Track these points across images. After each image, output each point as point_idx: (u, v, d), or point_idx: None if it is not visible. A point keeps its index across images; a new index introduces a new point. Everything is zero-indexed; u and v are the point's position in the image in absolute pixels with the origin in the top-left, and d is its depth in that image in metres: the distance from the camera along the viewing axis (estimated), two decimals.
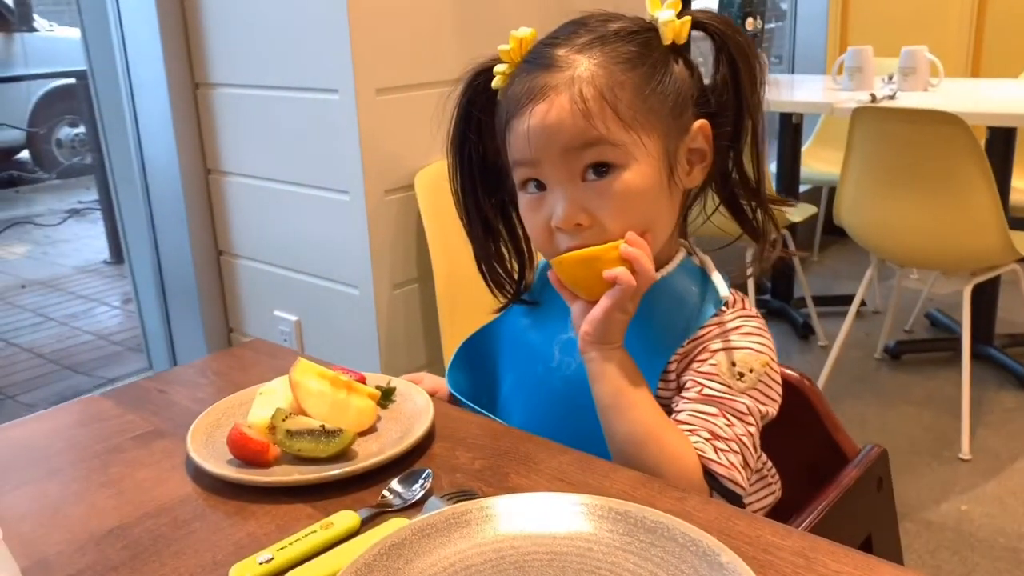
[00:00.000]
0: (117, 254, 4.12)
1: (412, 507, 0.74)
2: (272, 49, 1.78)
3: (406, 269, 1.79)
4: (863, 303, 3.05)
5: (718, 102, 0.87)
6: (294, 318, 1.93)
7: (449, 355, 1.70)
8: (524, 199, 0.87)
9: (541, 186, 0.85)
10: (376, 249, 1.72)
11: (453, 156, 0.93)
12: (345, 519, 0.71)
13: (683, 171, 0.86)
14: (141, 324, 2.50)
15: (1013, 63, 3.59)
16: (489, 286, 0.98)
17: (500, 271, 0.97)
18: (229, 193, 1.99)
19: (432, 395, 1.03)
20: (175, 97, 1.91)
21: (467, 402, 0.95)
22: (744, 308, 0.90)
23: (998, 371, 2.88)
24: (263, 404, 0.86)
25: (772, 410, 0.87)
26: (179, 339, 2.19)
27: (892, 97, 2.83)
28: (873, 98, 2.77)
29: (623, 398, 0.82)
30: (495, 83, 0.89)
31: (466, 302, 1.75)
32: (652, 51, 0.84)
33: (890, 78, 3.06)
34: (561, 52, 0.84)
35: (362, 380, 0.92)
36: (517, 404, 0.97)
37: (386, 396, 0.91)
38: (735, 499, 0.82)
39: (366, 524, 0.72)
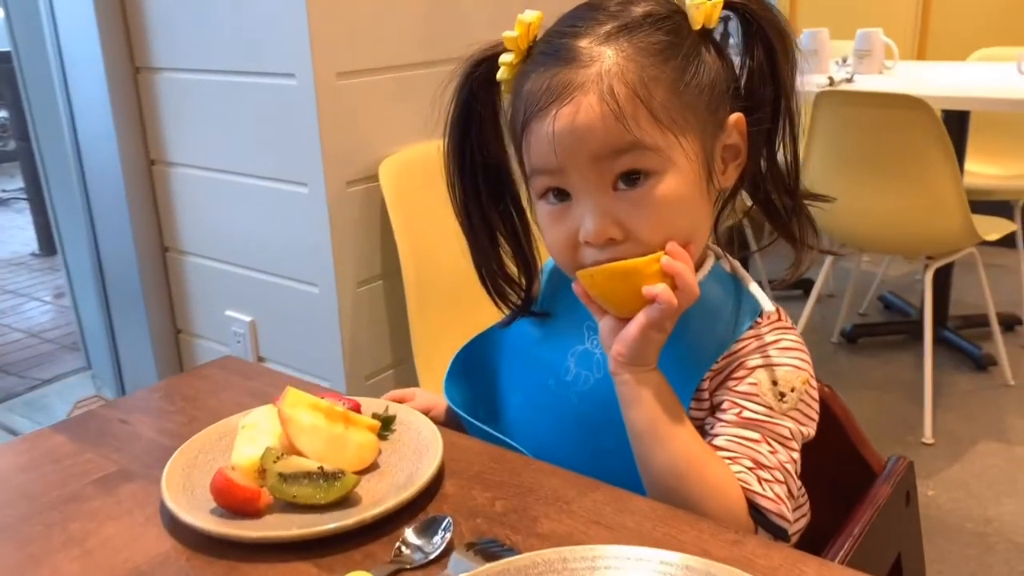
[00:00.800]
0: (48, 246, 3.89)
1: (433, 563, 0.65)
2: (222, 30, 1.64)
3: (370, 265, 1.68)
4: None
5: (752, 92, 0.78)
6: (248, 318, 1.80)
7: (420, 355, 1.60)
8: (544, 209, 0.78)
9: (563, 194, 0.76)
10: (337, 245, 1.61)
11: (452, 157, 0.83)
12: None
13: (719, 171, 0.78)
14: (78, 321, 2.34)
15: (959, 46, 3.60)
16: (491, 296, 0.89)
17: (503, 280, 0.88)
18: (175, 185, 1.85)
19: (426, 413, 0.94)
20: (113, 82, 1.75)
21: (474, 421, 0.86)
22: (780, 320, 0.82)
23: (953, 353, 2.88)
24: (247, 440, 0.75)
25: (811, 431, 0.80)
26: (122, 339, 2.04)
27: (849, 80, 2.79)
28: (831, 81, 2.73)
29: (661, 426, 0.74)
30: (501, 75, 0.79)
31: (437, 299, 1.65)
32: (683, 39, 0.75)
33: (844, 60, 3.03)
34: (583, 43, 0.74)
35: (357, 408, 0.82)
36: (528, 422, 0.88)
37: (386, 425, 0.81)
38: (780, 533, 0.75)
39: None
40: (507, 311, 0.90)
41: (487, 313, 1.71)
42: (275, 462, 0.70)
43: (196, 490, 0.72)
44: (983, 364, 2.79)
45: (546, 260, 0.93)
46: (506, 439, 0.83)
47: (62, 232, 2.15)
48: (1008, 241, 2.68)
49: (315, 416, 0.74)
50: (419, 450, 0.77)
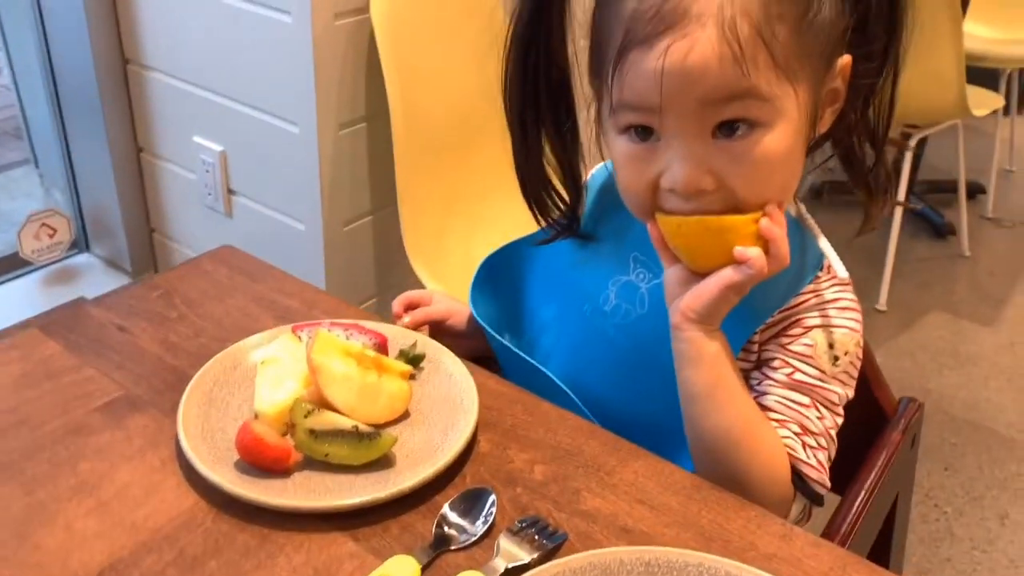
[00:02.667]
0: None
1: (476, 545, 0.62)
2: None
3: (353, 106, 1.56)
4: None
5: (864, 32, 0.70)
6: (219, 148, 1.68)
7: (405, 203, 1.53)
8: (624, 147, 0.70)
9: (648, 131, 0.67)
10: (322, 84, 1.48)
11: (515, 64, 0.74)
12: (402, 568, 0.59)
13: (819, 119, 0.71)
14: (21, 110, 2.16)
15: None
16: (532, 209, 0.82)
17: (546, 194, 0.81)
18: None
19: (444, 321, 0.90)
20: None
21: (508, 345, 0.82)
22: (835, 275, 0.78)
23: (915, 219, 2.91)
24: (269, 381, 0.70)
25: (852, 392, 0.78)
26: (77, 148, 1.90)
27: None
28: None
29: (720, 390, 0.71)
30: None
31: (425, 144, 1.56)
32: None
33: None
34: None
35: (384, 343, 0.76)
36: (559, 346, 0.84)
37: (414, 363, 0.76)
38: (817, 499, 0.75)
39: (427, 572, 0.60)
40: (543, 223, 0.83)
41: (476, 159, 1.63)
42: (306, 417, 0.66)
43: (216, 436, 0.68)
44: (943, 232, 2.82)
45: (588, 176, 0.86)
46: (539, 365, 0.79)
47: (3, 20, 1.94)
48: None
49: (347, 364, 0.69)
50: (451, 399, 0.73)
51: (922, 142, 2.78)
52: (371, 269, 1.72)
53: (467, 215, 1.68)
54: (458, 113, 1.63)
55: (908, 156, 2.47)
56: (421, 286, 1.51)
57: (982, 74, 2.75)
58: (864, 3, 0.69)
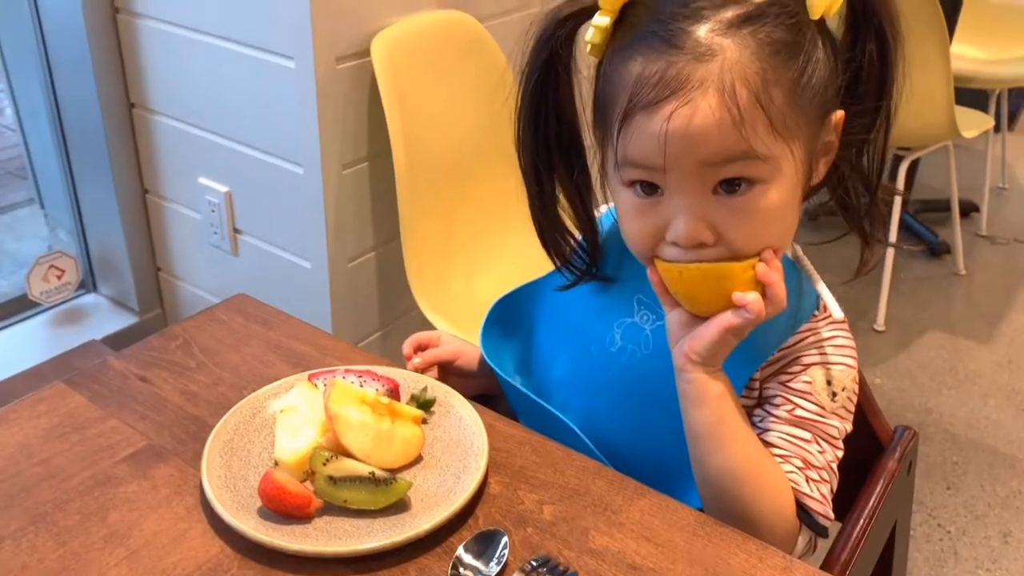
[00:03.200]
0: None
1: None
2: None
3: (356, 147, 1.59)
4: None
5: (856, 88, 0.73)
6: (224, 188, 1.71)
7: (408, 240, 1.56)
8: (629, 200, 0.73)
9: (653, 187, 0.71)
10: (325, 127, 1.52)
11: (527, 119, 0.77)
12: None
13: (814, 170, 0.74)
14: (26, 149, 2.19)
15: None
16: (548, 252, 0.85)
17: (561, 238, 0.84)
18: (143, 39, 1.69)
19: (453, 362, 0.93)
20: None
21: (521, 388, 0.85)
22: (830, 314, 0.81)
23: (911, 238, 2.94)
24: (288, 429, 0.73)
25: (850, 426, 0.81)
26: (83, 189, 1.93)
27: None
28: None
29: (724, 429, 0.74)
30: (592, 38, 0.72)
31: (426, 181, 1.60)
32: (803, 34, 0.68)
33: None
34: (703, 31, 0.66)
35: (396, 388, 0.79)
36: (567, 386, 0.87)
37: (425, 408, 0.79)
38: (821, 531, 0.78)
39: None
40: (559, 263, 0.86)
41: (475, 195, 1.67)
42: (324, 464, 0.69)
43: (238, 484, 0.70)
44: (938, 251, 2.86)
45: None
46: (550, 407, 0.82)
47: (8, 62, 1.98)
48: None
49: (362, 411, 0.72)
50: (463, 441, 0.76)
51: (915, 162, 2.82)
52: (376, 303, 1.75)
53: (468, 249, 1.71)
54: (457, 150, 1.67)
55: (901, 176, 2.51)
56: (424, 318, 1.54)
57: (972, 95, 2.80)
58: (856, 63, 0.73)
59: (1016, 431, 2.15)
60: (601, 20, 0.71)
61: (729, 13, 0.67)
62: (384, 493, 0.68)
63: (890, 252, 2.53)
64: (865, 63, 0.72)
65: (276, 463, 0.72)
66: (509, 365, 0.92)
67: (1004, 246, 2.99)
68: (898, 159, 2.56)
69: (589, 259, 0.85)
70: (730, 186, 0.69)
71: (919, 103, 2.30)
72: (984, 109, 2.77)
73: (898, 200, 2.53)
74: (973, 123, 2.49)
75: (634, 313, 0.84)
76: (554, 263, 0.85)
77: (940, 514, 1.88)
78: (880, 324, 2.52)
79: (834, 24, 0.75)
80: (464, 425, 0.78)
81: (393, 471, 0.72)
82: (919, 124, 2.37)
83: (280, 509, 0.67)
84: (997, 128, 3.06)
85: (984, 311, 2.64)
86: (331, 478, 0.68)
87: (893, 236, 2.50)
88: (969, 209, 3.07)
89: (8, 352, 1.84)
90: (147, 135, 1.80)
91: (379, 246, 1.71)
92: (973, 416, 2.20)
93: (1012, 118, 3.36)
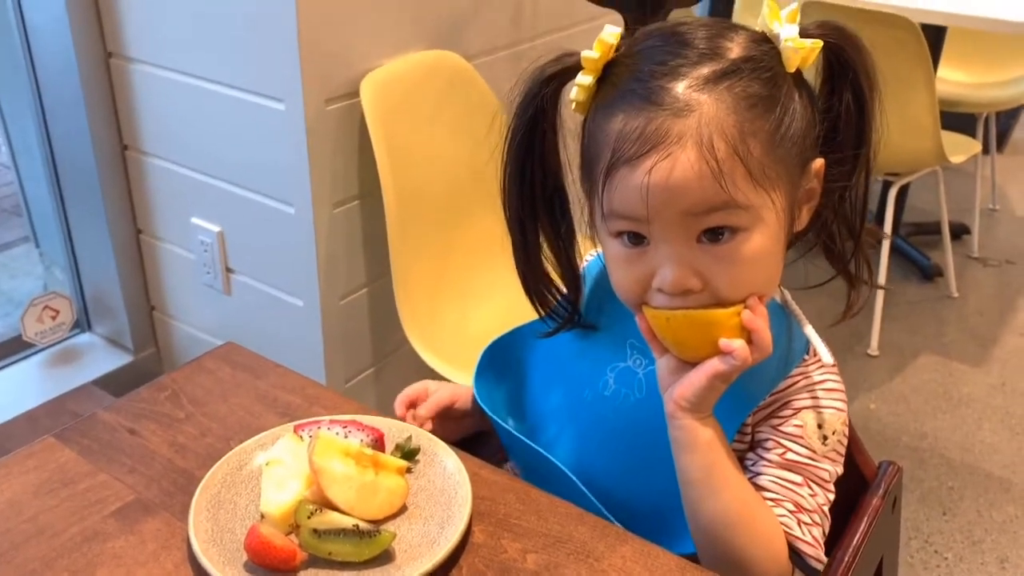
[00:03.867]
0: None
1: None
2: None
3: (347, 186, 1.61)
4: None
5: (834, 136, 0.75)
6: (216, 228, 1.73)
7: (399, 276, 1.57)
8: (616, 250, 0.75)
9: (639, 237, 0.73)
10: (316, 168, 1.53)
11: (512, 174, 0.79)
12: None
13: (796, 217, 0.76)
14: (20, 187, 2.20)
15: None
16: (533, 302, 0.87)
17: (548, 294, 0.86)
18: (136, 83, 1.71)
19: (452, 405, 0.94)
20: None
21: (515, 433, 0.86)
22: (819, 358, 0.82)
23: (902, 262, 2.95)
24: (274, 482, 0.73)
25: (841, 469, 0.82)
26: (78, 229, 1.95)
27: None
28: None
29: (716, 474, 0.75)
30: (576, 96, 0.75)
31: (416, 219, 1.61)
32: (779, 87, 0.71)
33: None
34: (680, 88, 0.69)
35: (381, 439, 0.80)
36: (564, 432, 0.89)
37: (409, 457, 0.80)
38: (814, 573, 0.78)
39: None
40: (543, 312, 0.88)
41: (465, 232, 1.69)
42: (309, 517, 0.69)
43: (225, 537, 0.71)
44: (930, 274, 2.87)
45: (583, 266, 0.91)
46: (544, 452, 0.83)
47: (2, 103, 2.00)
48: None
49: (346, 464, 0.73)
50: (447, 490, 0.77)
51: (904, 186, 2.85)
52: (368, 339, 1.76)
53: (458, 285, 1.73)
54: (447, 188, 1.69)
55: (891, 202, 2.53)
56: (416, 355, 1.56)
57: (959, 118, 2.83)
58: (834, 112, 0.75)
59: (1011, 454, 2.16)
60: (584, 79, 0.73)
61: (705, 70, 0.69)
62: (368, 545, 0.69)
63: (882, 276, 2.54)
64: (842, 112, 0.74)
65: (262, 516, 0.72)
66: (502, 409, 0.94)
67: (996, 268, 3.01)
68: (887, 184, 2.59)
69: (572, 309, 0.86)
70: (713, 235, 0.70)
71: (906, 130, 2.33)
72: (972, 132, 2.80)
73: (888, 228, 2.54)
74: (960, 148, 2.51)
75: (627, 357, 0.85)
76: (537, 312, 0.87)
77: (937, 540, 1.88)
78: (874, 349, 2.53)
79: (811, 75, 0.77)
80: (448, 474, 0.78)
81: (378, 523, 0.73)
82: (906, 151, 2.40)
83: (266, 563, 0.68)
84: (986, 150, 3.09)
85: (977, 333, 2.65)
86: (316, 531, 0.69)
87: (882, 277, 2.52)
88: (960, 231, 3.09)
89: (3, 394, 1.85)
90: (140, 176, 1.82)
91: (371, 282, 1.72)
92: (968, 440, 2.21)
93: (1001, 139, 3.38)
